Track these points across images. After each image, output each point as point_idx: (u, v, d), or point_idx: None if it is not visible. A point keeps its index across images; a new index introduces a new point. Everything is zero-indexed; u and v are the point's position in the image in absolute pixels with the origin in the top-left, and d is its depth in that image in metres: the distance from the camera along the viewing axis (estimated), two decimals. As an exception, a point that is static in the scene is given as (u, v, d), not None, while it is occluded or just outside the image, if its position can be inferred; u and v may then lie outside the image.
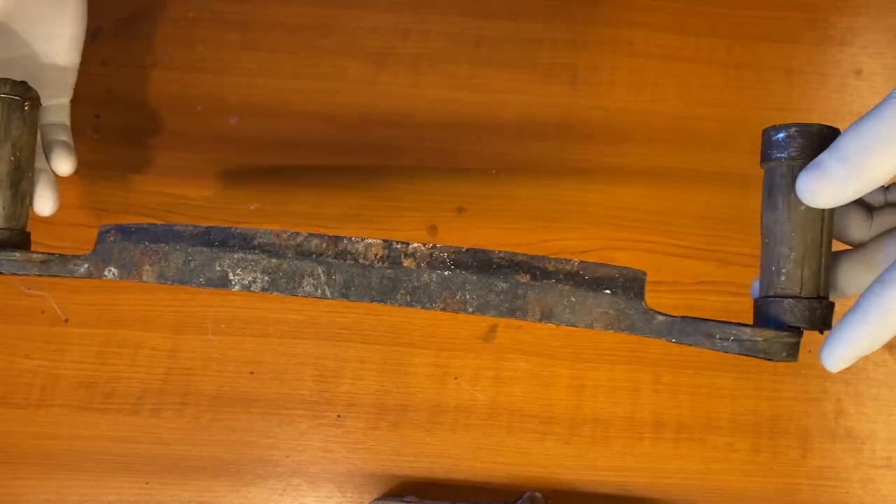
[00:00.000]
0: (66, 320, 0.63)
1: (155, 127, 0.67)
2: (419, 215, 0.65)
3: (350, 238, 0.41)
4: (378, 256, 0.41)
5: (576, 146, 0.66)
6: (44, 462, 0.61)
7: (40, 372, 0.62)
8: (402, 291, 0.40)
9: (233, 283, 0.41)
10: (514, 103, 0.67)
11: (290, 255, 0.41)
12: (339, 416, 0.62)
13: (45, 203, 0.52)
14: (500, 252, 0.41)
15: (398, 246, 0.41)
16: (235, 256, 0.41)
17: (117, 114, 0.67)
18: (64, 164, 0.54)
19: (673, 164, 0.66)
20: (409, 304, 0.40)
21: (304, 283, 0.41)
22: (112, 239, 0.43)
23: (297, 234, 0.41)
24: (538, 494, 0.58)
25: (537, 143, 0.66)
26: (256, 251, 0.41)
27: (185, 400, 0.62)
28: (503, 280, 0.40)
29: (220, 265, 0.41)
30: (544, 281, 0.40)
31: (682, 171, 0.66)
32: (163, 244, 0.42)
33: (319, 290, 0.41)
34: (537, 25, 0.69)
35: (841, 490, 0.61)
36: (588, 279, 0.39)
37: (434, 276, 0.40)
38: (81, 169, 0.57)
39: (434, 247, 0.41)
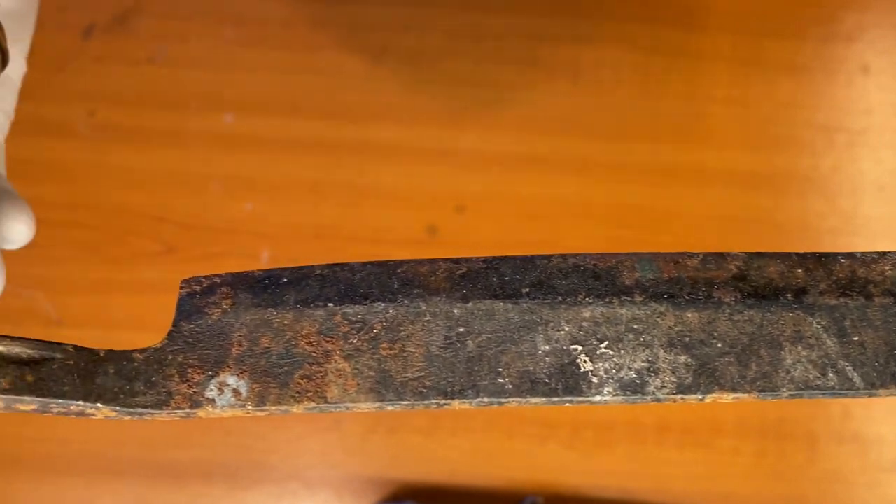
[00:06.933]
0: (60, 321, 0.62)
1: (149, 124, 0.66)
2: (418, 214, 0.64)
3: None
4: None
5: (578, 144, 0.65)
6: (37, 466, 0.60)
7: (33, 374, 0.62)
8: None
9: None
10: (516, 100, 0.66)
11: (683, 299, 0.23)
12: (336, 419, 0.61)
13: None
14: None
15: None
16: (581, 314, 0.22)
17: (111, 111, 0.66)
18: (20, 225, 0.31)
19: (678, 162, 0.65)
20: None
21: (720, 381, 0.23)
22: (216, 306, 0.22)
23: (691, 255, 0.24)
24: (539, 499, 0.58)
25: (539, 140, 0.65)
26: (614, 300, 0.23)
27: (179, 403, 0.61)
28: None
29: (540, 337, 0.21)
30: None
31: (688, 168, 0.65)
32: (360, 306, 0.22)
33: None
34: (539, 20, 0.68)
35: (847, 493, 0.61)
36: None
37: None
38: (76, 168, 0.56)
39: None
